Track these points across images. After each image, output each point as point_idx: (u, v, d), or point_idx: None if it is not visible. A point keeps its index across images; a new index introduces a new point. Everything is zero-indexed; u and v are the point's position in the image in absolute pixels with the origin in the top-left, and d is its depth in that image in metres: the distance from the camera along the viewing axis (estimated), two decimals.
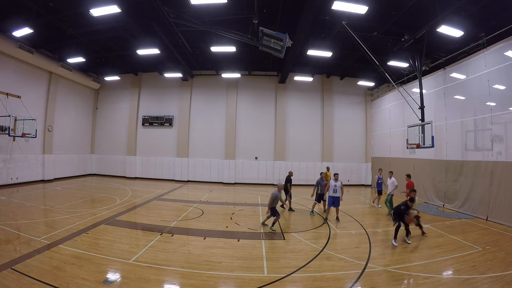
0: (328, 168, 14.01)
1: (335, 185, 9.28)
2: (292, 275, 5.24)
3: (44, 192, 13.48)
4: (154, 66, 18.36)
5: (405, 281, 5.19)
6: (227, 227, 8.52)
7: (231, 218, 9.64)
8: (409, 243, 7.17)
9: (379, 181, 12.27)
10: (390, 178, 10.85)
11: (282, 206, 11.05)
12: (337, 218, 9.46)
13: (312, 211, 10.56)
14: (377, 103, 19.25)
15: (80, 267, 5.20)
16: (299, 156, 19.31)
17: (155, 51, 13.57)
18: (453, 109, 11.93)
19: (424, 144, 11.15)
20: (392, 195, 10.65)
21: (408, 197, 7.44)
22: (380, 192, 12.27)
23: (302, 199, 13.78)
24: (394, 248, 6.95)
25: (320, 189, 10.25)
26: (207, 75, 19.93)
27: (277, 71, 19.36)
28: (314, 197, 10.46)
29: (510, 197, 8.95)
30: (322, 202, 10.56)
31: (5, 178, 14.04)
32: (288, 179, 11.33)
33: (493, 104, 9.85)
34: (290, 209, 11.08)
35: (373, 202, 12.61)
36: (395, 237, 7.12)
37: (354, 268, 5.58)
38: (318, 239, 7.49)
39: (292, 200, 11.36)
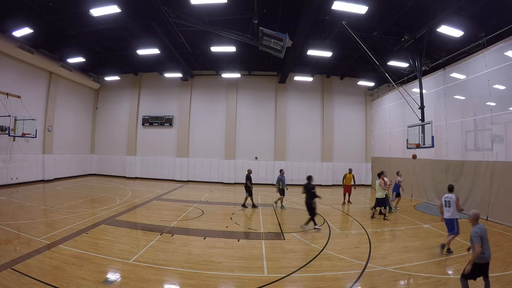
0: (350, 170, 12.95)
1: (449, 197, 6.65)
2: (292, 275, 5.24)
3: (44, 192, 13.48)
4: (154, 66, 18.35)
5: (405, 281, 5.19)
6: (227, 227, 8.52)
7: (231, 218, 9.64)
8: (320, 228, 8.25)
9: (397, 184, 11.57)
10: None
11: (243, 205, 11.48)
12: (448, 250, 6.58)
13: (282, 206, 11.57)
14: (377, 103, 19.24)
15: (80, 267, 5.20)
16: (299, 156, 19.32)
17: (155, 51, 13.57)
18: (453, 109, 11.93)
19: (424, 144, 11.16)
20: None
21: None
22: (398, 195, 11.60)
23: (302, 199, 13.74)
24: (393, 247, 6.96)
25: (282, 184, 11.27)
26: (207, 75, 19.92)
27: (277, 71, 19.35)
28: (279, 193, 11.47)
29: (510, 197, 8.95)
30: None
31: (5, 178, 14.04)
32: (248, 177, 11.49)
33: (493, 104, 9.85)
34: (254, 206, 11.40)
35: (396, 207, 11.62)
36: (315, 223, 8.26)
37: (354, 268, 5.58)
38: (318, 239, 7.49)
39: (283, 198, 11.69)
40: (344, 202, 12.84)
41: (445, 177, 11.89)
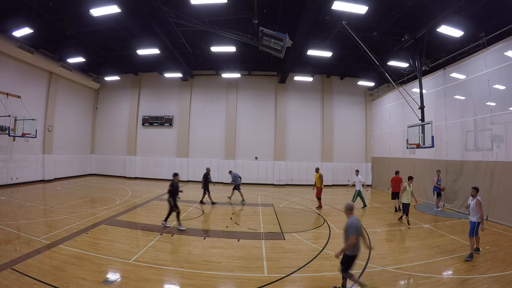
0: (317, 169, 12.06)
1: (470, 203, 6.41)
2: (292, 275, 5.24)
3: (44, 192, 13.48)
4: (154, 66, 18.35)
5: (405, 281, 5.19)
6: (227, 227, 8.52)
7: (231, 218, 9.64)
8: (184, 229, 7.92)
9: (438, 183, 11.35)
10: (357, 176, 11.91)
11: (201, 201, 11.84)
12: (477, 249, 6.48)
13: (243, 200, 12.40)
14: (377, 103, 19.25)
15: (80, 267, 5.20)
16: (299, 156, 19.31)
17: (155, 51, 13.57)
18: (453, 109, 11.93)
19: (424, 144, 11.15)
20: (360, 190, 11.66)
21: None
22: (438, 194, 11.44)
23: (302, 199, 13.78)
24: (393, 247, 6.96)
25: (235, 180, 12.48)
26: (207, 75, 19.93)
27: (277, 71, 19.36)
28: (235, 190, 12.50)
29: (510, 197, 8.95)
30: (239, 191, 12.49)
31: (5, 178, 14.03)
32: (206, 175, 11.80)
33: (493, 104, 9.85)
34: (213, 203, 11.73)
35: (437, 207, 11.58)
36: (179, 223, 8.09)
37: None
38: (318, 239, 7.49)
39: (243, 195, 12.55)
40: (319, 206, 11.55)
41: (445, 177, 11.89)
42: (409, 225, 8.84)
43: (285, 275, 5.22)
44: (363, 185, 11.78)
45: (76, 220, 8.40)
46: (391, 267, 5.63)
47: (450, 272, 5.51)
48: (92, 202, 11.56)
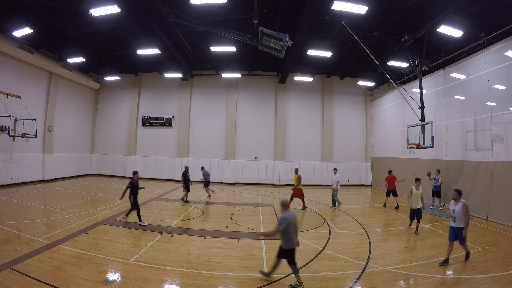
0: (296, 170, 11.64)
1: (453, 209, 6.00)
2: (292, 275, 5.22)
3: (44, 192, 13.48)
4: (154, 66, 18.36)
5: (405, 281, 5.19)
6: (227, 227, 8.52)
7: (231, 218, 9.64)
8: (145, 225, 8.23)
9: (436, 180, 11.40)
10: (335, 174, 11.68)
11: (183, 199, 12.12)
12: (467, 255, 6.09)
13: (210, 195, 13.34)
14: (377, 103, 19.24)
15: (80, 267, 5.20)
16: (299, 156, 19.30)
17: (155, 51, 13.58)
18: (453, 109, 11.93)
19: (424, 144, 11.16)
20: (337, 190, 11.57)
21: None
22: (434, 194, 11.53)
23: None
24: (393, 247, 6.96)
25: (206, 177, 13.23)
26: (207, 75, 19.93)
27: (277, 71, 19.36)
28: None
29: (510, 197, 8.95)
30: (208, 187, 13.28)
31: (5, 178, 14.03)
32: (184, 174, 12.13)
33: (493, 104, 9.85)
34: (186, 201, 11.96)
35: (432, 205, 11.74)
36: (127, 214, 8.64)
37: (354, 268, 5.58)
38: (318, 239, 7.49)
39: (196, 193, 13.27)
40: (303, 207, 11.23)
41: (445, 177, 11.89)
42: (410, 226, 8.76)
43: (285, 275, 5.21)
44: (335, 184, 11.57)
45: (76, 220, 8.41)
46: (391, 267, 5.63)
47: (450, 272, 5.51)
48: (92, 202, 11.56)
